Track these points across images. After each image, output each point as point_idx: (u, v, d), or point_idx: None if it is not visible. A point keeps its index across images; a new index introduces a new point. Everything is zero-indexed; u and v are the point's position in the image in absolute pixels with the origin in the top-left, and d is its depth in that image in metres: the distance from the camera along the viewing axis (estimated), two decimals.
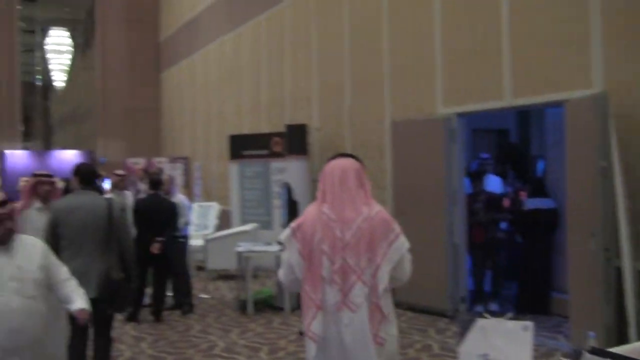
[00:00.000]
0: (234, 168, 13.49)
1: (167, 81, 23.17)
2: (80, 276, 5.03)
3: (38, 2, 30.35)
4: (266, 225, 12.45)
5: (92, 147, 25.00)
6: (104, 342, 5.90)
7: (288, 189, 10.32)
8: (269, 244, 10.22)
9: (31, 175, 6.71)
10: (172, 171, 17.16)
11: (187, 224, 10.34)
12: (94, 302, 4.95)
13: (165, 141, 23.35)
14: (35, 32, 31.86)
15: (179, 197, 10.31)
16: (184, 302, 9.73)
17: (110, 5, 24.45)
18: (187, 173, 19.49)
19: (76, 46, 30.28)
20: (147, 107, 23.83)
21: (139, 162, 20.33)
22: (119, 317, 8.08)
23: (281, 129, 12.65)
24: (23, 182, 19.98)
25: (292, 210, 9.90)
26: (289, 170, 11.93)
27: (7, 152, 22.51)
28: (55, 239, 5.65)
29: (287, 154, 12.18)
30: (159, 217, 9.09)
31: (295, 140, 12.06)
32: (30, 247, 4.16)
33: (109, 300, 5.68)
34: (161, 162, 19.77)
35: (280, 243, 9.93)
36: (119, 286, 5.74)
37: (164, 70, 23.47)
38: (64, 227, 5.74)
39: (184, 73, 21.02)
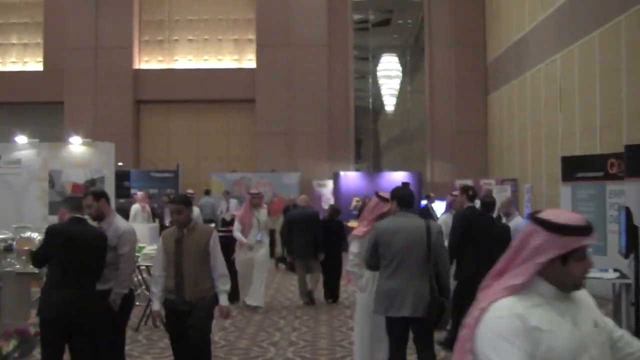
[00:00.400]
0: (566, 190, 13.07)
1: (495, 103, 23.13)
2: (396, 295, 5.69)
3: (370, 31, 32.00)
4: (600, 250, 11.85)
5: (419, 169, 25.66)
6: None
7: (627, 213, 9.74)
8: (604, 270, 9.73)
9: (376, 196, 7.04)
10: (501, 193, 17.10)
11: None
12: (408, 320, 5.66)
13: (493, 162, 23.30)
14: (368, 59, 33.56)
15: (517, 220, 10.08)
16: None
17: (437, 29, 25.08)
18: (516, 195, 19.26)
19: (404, 71, 31.36)
20: (474, 128, 24.00)
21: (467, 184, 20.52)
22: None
23: (617, 150, 12.00)
24: (355, 202, 21.03)
25: (632, 236, 9.33)
26: (628, 194, 11.24)
27: (342, 173, 23.93)
28: (376, 259, 6.03)
29: (625, 176, 11.51)
30: (489, 239, 9.04)
31: (634, 161, 11.35)
32: (587, 297, 2.81)
33: (427, 319, 5.85)
34: (489, 184, 19.78)
35: (616, 270, 9.49)
36: (434, 306, 5.85)
37: (491, 92, 23.47)
38: (385, 247, 6.00)
39: (512, 94, 20.83)
